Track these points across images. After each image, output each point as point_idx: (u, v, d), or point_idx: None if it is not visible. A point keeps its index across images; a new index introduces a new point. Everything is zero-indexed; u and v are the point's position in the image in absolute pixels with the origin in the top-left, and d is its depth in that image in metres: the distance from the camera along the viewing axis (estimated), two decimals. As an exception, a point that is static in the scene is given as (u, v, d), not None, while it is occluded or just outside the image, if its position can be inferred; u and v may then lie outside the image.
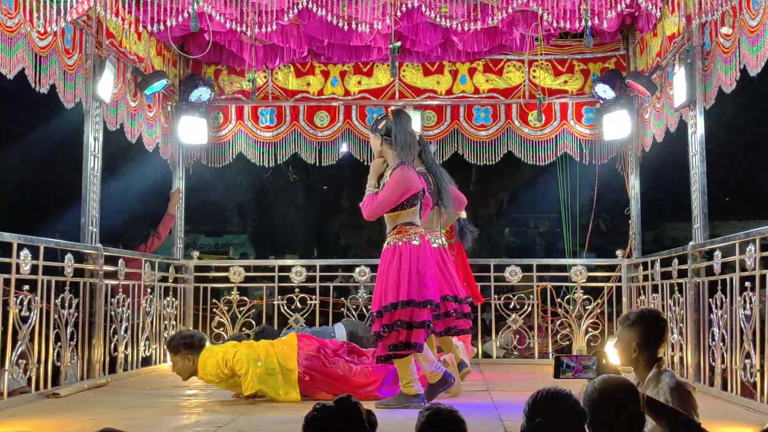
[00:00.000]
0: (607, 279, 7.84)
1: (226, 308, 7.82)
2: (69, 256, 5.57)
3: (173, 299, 7.54)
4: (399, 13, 5.78)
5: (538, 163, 8.03)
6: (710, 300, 5.40)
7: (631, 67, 7.53)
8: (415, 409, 4.64)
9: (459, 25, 5.78)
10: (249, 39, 7.15)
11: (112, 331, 6.16)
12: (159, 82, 6.92)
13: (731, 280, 5.01)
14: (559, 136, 7.90)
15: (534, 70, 7.82)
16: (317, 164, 8.24)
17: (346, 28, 5.86)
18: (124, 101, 6.59)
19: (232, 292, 7.87)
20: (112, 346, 6.17)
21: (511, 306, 7.78)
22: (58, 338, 5.43)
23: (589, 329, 7.54)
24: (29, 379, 5.13)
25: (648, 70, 6.95)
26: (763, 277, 4.63)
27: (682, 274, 5.97)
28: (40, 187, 14.62)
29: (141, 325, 6.78)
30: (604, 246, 12.32)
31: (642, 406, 2.64)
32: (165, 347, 5.58)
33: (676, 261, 6.16)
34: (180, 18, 5.06)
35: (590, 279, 7.76)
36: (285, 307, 7.79)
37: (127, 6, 5.93)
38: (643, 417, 2.62)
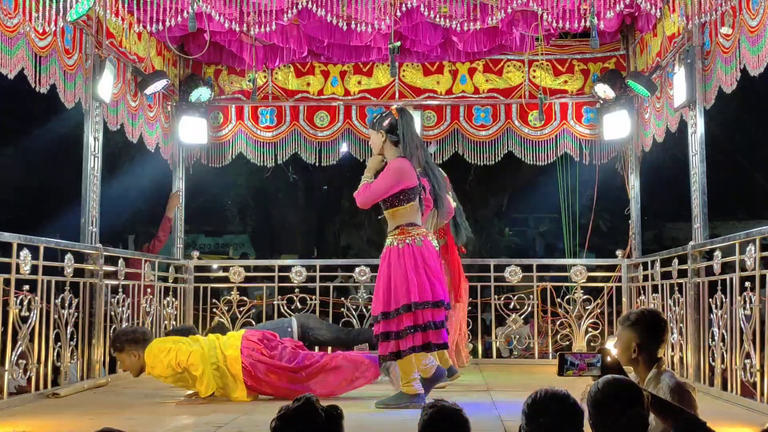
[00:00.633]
0: (607, 279, 7.84)
1: (226, 308, 7.82)
2: (69, 256, 5.57)
3: (173, 299, 7.54)
4: (399, 13, 5.79)
5: (538, 163, 8.02)
6: (710, 300, 5.40)
7: (631, 67, 7.53)
8: (415, 409, 4.65)
9: (459, 25, 5.78)
10: (249, 39, 7.15)
11: (112, 331, 6.16)
12: (159, 82, 6.92)
13: (731, 280, 5.01)
14: (559, 136, 7.90)
15: (534, 70, 7.82)
16: (317, 164, 8.24)
17: (345, 28, 5.87)
18: (124, 101, 6.59)
19: (232, 292, 7.87)
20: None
21: (511, 306, 7.78)
22: (58, 338, 5.43)
23: (589, 329, 7.54)
24: (29, 379, 5.13)
25: (648, 70, 6.95)
26: (763, 277, 4.63)
27: (682, 274, 5.97)
28: (40, 187, 14.63)
29: (141, 325, 6.77)
30: (604, 246, 12.33)
31: (646, 406, 2.63)
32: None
33: (676, 261, 6.16)
34: (180, 18, 5.06)
35: (590, 279, 7.75)
36: (285, 307, 7.78)
37: (127, 6, 5.93)
38: (646, 421, 2.61)
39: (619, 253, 7.81)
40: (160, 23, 5.05)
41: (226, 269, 8.08)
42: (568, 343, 7.66)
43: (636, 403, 2.59)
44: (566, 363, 2.94)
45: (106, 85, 6.05)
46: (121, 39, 6.37)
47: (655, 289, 6.70)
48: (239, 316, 7.79)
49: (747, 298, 4.74)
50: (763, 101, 11.38)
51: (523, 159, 7.98)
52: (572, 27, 5.59)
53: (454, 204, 5.99)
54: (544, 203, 16.27)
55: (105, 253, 6.09)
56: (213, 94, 7.85)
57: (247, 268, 8.12)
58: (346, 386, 5.17)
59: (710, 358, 5.41)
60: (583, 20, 5.53)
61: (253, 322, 7.74)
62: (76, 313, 5.67)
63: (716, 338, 5.22)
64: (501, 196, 17.38)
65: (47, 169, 13.77)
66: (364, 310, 7.60)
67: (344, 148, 8.13)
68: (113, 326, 6.20)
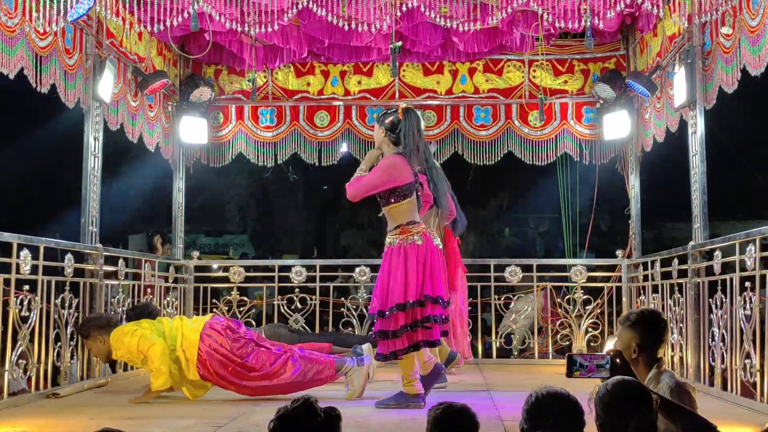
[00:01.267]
0: (607, 279, 7.84)
1: (226, 308, 7.82)
2: (69, 256, 5.57)
3: (173, 299, 7.55)
4: (399, 13, 5.78)
5: (538, 163, 8.02)
6: (710, 300, 5.40)
7: (631, 67, 7.53)
8: (415, 409, 4.65)
9: (459, 25, 5.78)
10: (249, 39, 7.15)
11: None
12: (159, 82, 6.92)
13: (731, 280, 5.01)
14: (559, 136, 7.90)
15: (534, 70, 7.83)
16: (317, 164, 8.24)
17: (346, 28, 5.87)
18: (124, 101, 6.59)
19: (232, 292, 7.87)
20: (112, 346, 6.16)
21: (511, 306, 7.78)
22: (58, 338, 5.43)
23: (589, 329, 7.54)
24: (29, 379, 5.13)
25: (648, 70, 6.95)
26: (763, 277, 4.63)
27: (682, 274, 5.97)
28: (40, 187, 14.63)
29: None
30: (604, 246, 12.33)
31: (655, 409, 2.62)
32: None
33: (676, 261, 6.16)
34: (180, 18, 5.06)
35: (590, 279, 7.76)
36: (285, 307, 7.79)
37: (127, 6, 5.92)
38: (654, 425, 2.59)
39: (619, 253, 7.81)
40: (161, 23, 5.05)
41: (226, 269, 8.08)
42: (568, 343, 7.67)
43: (645, 406, 2.58)
44: (575, 364, 2.93)
45: (107, 85, 6.05)
46: (121, 39, 6.37)
47: (655, 289, 6.70)
48: (239, 316, 7.79)
49: (747, 298, 4.75)
50: (763, 101, 11.38)
51: (523, 159, 7.98)
52: (572, 27, 5.59)
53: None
54: (544, 203, 16.27)
55: (105, 253, 6.09)
56: (213, 94, 7.85)
57: (247, 268, 8.12)
58: (299, 388, 5.03)
59: (710, 358, 5.41)
60: (583, 20, 5.53)
61: (254, 323, 7.75)
62: (76, 313, 5.67)
63: (716, 338, 5.22)
64: (501, 196, 17.40)
65: (47, 169, 13.77)
66: (364, 310, 7.59)
67: (344, 148, 8.13)
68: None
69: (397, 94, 7.93)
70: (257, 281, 8.29)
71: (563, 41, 7.80)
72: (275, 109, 8.05)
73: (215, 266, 8.78)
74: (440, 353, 5.80)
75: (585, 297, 7.60)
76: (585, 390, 2.74)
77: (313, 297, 7.75)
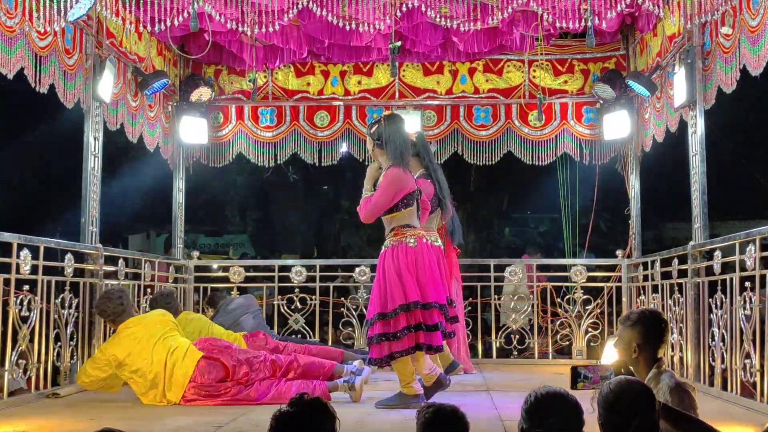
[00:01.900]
0: (607, 279, 7.84)
1: (226, 308, 7.81)
2: (69, 256, 5.57)
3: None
4: (399, 13, 5.78)
5: (538, 163, 8.02)
6: (710, 300, 5.40)
7: (631, 67, 7.53)
8: (414, 410, 4.64)
9: (459, 25, 5.78)
10: (249, 39, 7.15)
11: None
12: (159, 82, 6.92)
13: (731, 280, 5.01)
14: (559, 136, 7.90)
15: (534, 70, 7.83)
16: (317, 164, 8.24)
17: (346, 28, 5.86)
18: (124, 101, 6.59)
19: (232, 292, 7.87)
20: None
21: (511, 306, 7.78)
22: (58, 338, 5.43)
23: (589, 329, 7.54)
24: (29, 379, 5.13)
25: (648, 70, 6.95)
26: (763, 277, 4.63)
27: (682, 274, 5.97)
28: (40, 187, 14.64)
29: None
30: (604, 246, 12.32)
31: (657, 414, 2.61)
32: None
33: (676, 261, 6.16)
34: (180, 18, 5.06)
35: (590, 279, 7.76)
36: (285, 307, 7.79)
37: (127, 6, 5.92)
38: (657, 425, 2.59)
39: (619, 253, 7.81)
40: (161, 23, 5.05)
41: (226, 269, 8.08)
42: (568, 343, 7.67)
43: (648, 406, 2.57)
44: (579, 376, 2.93)
45: (107, 85, 6.05)
46: (121, 39, 6.37)
47: (655, 289, 6.70)
48: (239, 316, 7.78)
49: (747, 298, 4.75)
50: (763, 101, 11.38)
51: (523, 159, 7.98)
52: (572, 27, 5.59)
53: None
54: (544, 203, 16.26)
55: (105, 253, 6.09)
56: (213, 94, 7.85)
57: (247, 268, 8.13)
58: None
59: (710, 358, 5.41)
60: (583, 20, 5.53)
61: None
62: (76, 313, 5.67)
63: (716, 338, 5.22)
64: (501, 196, 17.38)
65: (47, 169, 13.78)
66: (364, 310, 7.58)
67: (344, 148, 8.13)
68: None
69: (397, 94, 7.93)
70: (257, 281, 8.29)
71: (563, 41, 7.80)
72: (275, 109, 8.05)
73: (215, 266, 8.78)
74: (442, 359, 5.79)
75: (585, 297, 7.60)
76: (586, 391, 2.74)
77: (313, 297, 7.75)
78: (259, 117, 8.07)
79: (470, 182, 14.51)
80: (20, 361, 4.99)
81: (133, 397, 5.09)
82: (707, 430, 2.76)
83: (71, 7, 4.81)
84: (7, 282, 4.84)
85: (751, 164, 14.27)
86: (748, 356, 4.71)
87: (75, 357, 5.68)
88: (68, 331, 5.56)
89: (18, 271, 4.92)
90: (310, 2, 5.27)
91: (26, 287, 5.00)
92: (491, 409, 4.71)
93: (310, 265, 8.07)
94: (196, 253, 8.16)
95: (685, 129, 6.12)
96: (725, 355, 5.06)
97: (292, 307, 7.77)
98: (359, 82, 7.97)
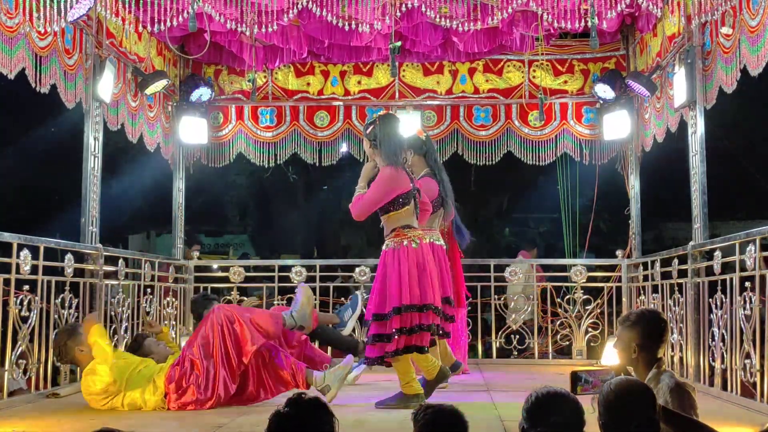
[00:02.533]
0: (607, 279, 7.84)
1: (226, 308, 7.80)
2: (69, 256, 5.57)
3: (173, 299, 7.54)
4: (399, 13, 5.78)
5: (538, 163, 8.02)
6: (710, 300, 5.40)
7: (631, 67, 7.53)
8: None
9: (459, 25, 5.78)
10: (249, 39, 7.15)
11: (112, 331, 6.16)
12: (159, 82, 6.92)
13: (731, 280, 5.01)
14: (559, 136, 7.90)
15: (534, 70, 7.83)
16: (317, 164, 8.24)
17: (346, 28, 5.87)
18: (124, 101, 6.59)
19: (232, 292, 7.87)
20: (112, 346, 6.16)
21: (511, 306, 7.78)
22: (58, 338, 5.42)
23: (589, 329, 7.54)
24: (29, 379, 5.13)
25: (648, 70, 6.95)
26: (763, 277, 4.63)
27: (682, 274, 5.97)
28: (40, 187, 14.63)
29: (141, 325, 6.78)
30: (604, 246, 12.32)
31: (658, 414, 2.61)
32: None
33: (676, 261, 6.16)
34: (180, 18, 5.06)
35: (590, 279, 7.75)
36: (285, 307, 7.77)
37: (127, 6, 5.93)
38: (657, 425, 2.59)
39: (619, 253, 7.81)
40: (161, 23, 5.05)
41: (226, 269, 8.08)
42: (568, 343, 7.67)
43: (648, 406, 2.57)
44: (580, 380, 2.93)
45: (107, 85, 6.05)
46: (121, 39, 6.37)
47: (655, 289, 6.70)
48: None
49: (747, 298, 4.75)
50: (763, 101, 11.38)
51: (523, 159, 7.98)
52: (572, 27, 5.59)
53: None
54: (544, 203, 16.24)
55: (105, 253, 6.09)
56: (213, 94, 7.85)
57: (247, 268, 8.12)
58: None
59: (710, 358, 5.41)
60: (583, 20, 5.53)
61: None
62: (76, 313, 5.66)
63: (716, 338, 5.22)
64: (501, 196, 17.38)
65: (47, 169, 13.76)
66: (364, 309, 7.57)
67: (344, 148, 8.13)
68: (113, 326, 6.20)
69: (397, 94, 7.93)
70: (257, 281, 8.28)
71: (563, 41, 7.80)
72: (275, 109, 8.05)
73: (215, 266, 8.78)
74: (445, 360, 5.79)
75: (585, 297, 7.60)
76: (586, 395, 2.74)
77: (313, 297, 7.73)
78: (259, 117, 8.07)
79: (470, 182, 14.50)
80: (20, 361, 4.99)
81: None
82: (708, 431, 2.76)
83: (71, 7, 4.82)
84: (7, 282, 4.84)
85: (751, 164, 14.28)
86: (748, 356, 4.71)
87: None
88: (68, 331, 5.54)
89: (18, 271, 4.92)
90: (310, 2, 5.27)
91: (26, 287, 5.00)
92: (491, 409, 4.71)
93: (310, 265, 8.07)
94: (196, 253, 8.15)
95: (685, 129, 6.12)
96: (725, 355, 5.06)
97: (292, 307, 7.75)
98: (359, 82, 7.97)
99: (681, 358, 5.96)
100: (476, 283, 7.81)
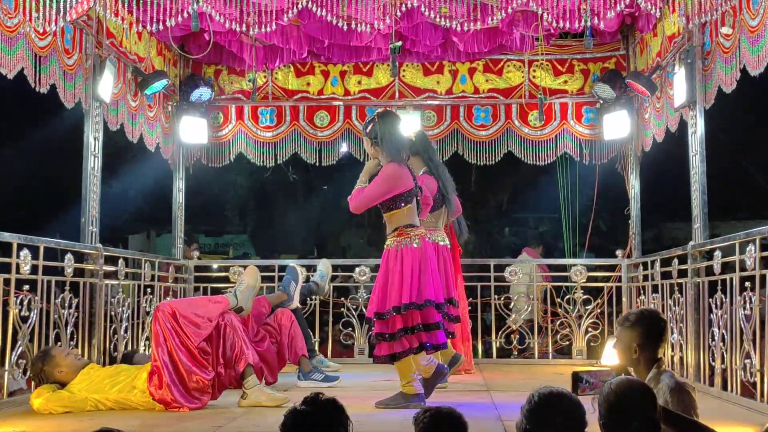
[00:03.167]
0: (607, 279, 7.84)
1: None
2: (69, 256, 5.56)
3: (173, 299, 7.53)
4: (399, 13, 5.78)
5: (538, 163, 8.02)
6: (710, 300, 5.40)
7: (631, 67, 7.53)
8: (415, 409, 4.64)
9: (459, 25, 5.77)
10: (249, 39, 7.15)
11: (112, 331, 6.16)
12: (159, 81, 6.92)
13: (731, 280, 5.00)
14: (559, 136, 7.90)
15: (534, 70, 7.82)
16: (317, 164, 8.24)
17: (346, 28, 5.87)
18: (124, 101, 6.59)
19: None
20: (112, 346, 6.17)
21: (511, 306, 7.78)
22: (58, 338, 5.42)
23: (589, 329, 7.54)
24: (29, 379, 5.12)
25: (648, 70, 6.94)
26: (763, 277, 4.63)
27: (682, 274, 5.97)
28: (40, 187, 14.64)
29: (141, 325, 6.78)
30: (604, 246, 12.32)
31: (658, 414, 2.60)
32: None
33: (676, 261, 6.16)
34: (180, 18, 5.06)
35: (590, 279, 7.75)
36: (285, 307, 7.77)
37: (127, 6, 5.92)
38: (658, 425, 2.59)
39: (619, 253, 7.81)
40: (161, 23, 5.05)
41: (226, 269, 8.08)
42: (568, 342, 7.67)
43: (649, 406, 2.57)
44: (581, 381, 2.93)
45: (106, 85, 6.05)
46: (121, 39, 6.37)
47: (655, 289, 6.70)
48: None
49: (747, 298, 4.74)
50: (763, 101, 11.38)
51: (523, 159, 7.98)
52: (572, 27, 5.57)
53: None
54: (544, 203, 16.25)
55: (105, 253, 6.09)
56: (213, 94, 7.85)
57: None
58: None
59: (710, 358, 5.41)
60: (582, 20, 5.52)
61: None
62: (76, 313, 5.66)
63: (716, 338, 5.22)
64: (501, 196, 17.38)
65: (47, 169, 13.77)
66: (364, 309, 7.58)
67: (344, 148, 8.13)
68: (113, 326, 6.20)
69: (397, 94, 7.93)
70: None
71: (563, 41, 7.80)
72: (275, 109, 8.05)
73: (215, 266, 8.78)
74: (444, 355, 5.79)
75: (585, 297, 7.60)
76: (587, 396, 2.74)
77: (313, 297, 7.74)
78: (259, 117, 8.07)
79: (471, 182, 14.50)
80: (20, 361, 4.99)
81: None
82: None
83: (71, 7, 4.82)
84: (7, 282, 4.83)
85: (751, 164, 14.29)
86: (748, 356, 4.71)
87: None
88: (68, 331, 5.55)
89: (18, 271, 4.92)
90: (310, 2, 5.27)
91: (26, 287, 4.99)
92: (491, 409, 4.71)
93: (310, 265, 8.06)
94: (196, 253, 8.14)
95: (685, 129, 6.12)
96: (725, 355, 5.06)
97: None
98: (359, 82, 7.97)
99: (681, 358, 5.96)
100: (476, 283, 7.81)
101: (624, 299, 7.59)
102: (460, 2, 5.90)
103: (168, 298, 7.41)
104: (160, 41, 7.18)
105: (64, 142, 9.78)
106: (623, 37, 7.68)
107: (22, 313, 4.94)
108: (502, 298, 7.81)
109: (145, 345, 6.77)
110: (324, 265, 6.39)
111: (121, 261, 6.40)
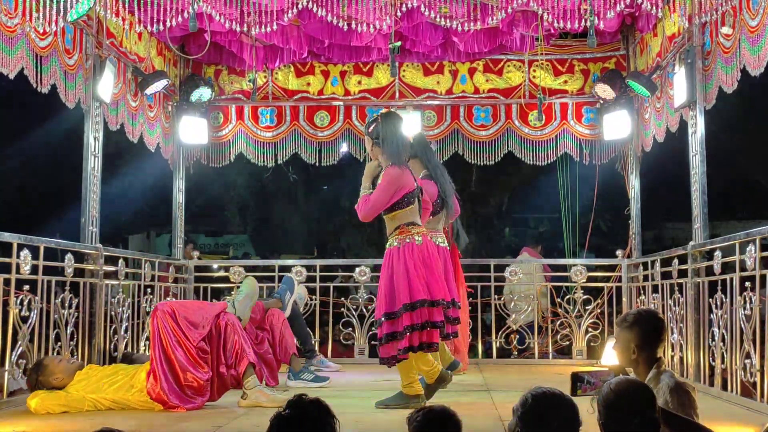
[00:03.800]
0: (607, 279, 7.84)
1: (226, 308, 7.80)
2: (69, 256, 5.57)
3: (173, 299, 7.53)
4: (399, 13, 5.78)
5: (538, 163, 8.02)
6: (710, 300, 5.40)
7: (631, 67, 7.53)
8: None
9: (459, 25, 5.77)
10: (249, 39, 7.15)
11: (112, 331, 6.16)
12: (159, 82, 6.92)
13: (731, 280, 5.00)
14: (559, 136, 7.90)
15: (534, 70, 7.83)
16: (317, 164, 8.24)
17: (346, 28, 5.87)
18: (124, 101, 6.59)
19: (233, 292, 7.85)
20: (112, 346, 6.17)
21: (511, 306, 7.78)
22: (58, 338, 5.42)
23: (589, 329, 7.54)
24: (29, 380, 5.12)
25: (648, 70, 6.95)
26: (763, 277, 4.63)
27: (682, 274, 5.97)
28: (40, 187, 14.65)
29: (141, 325, 6.78)
30: (604, 246, 12.33)
31: (658, 414, 2.60)
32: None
33: (676, 261, 6.16)
34: (180, 18, 5.06)
35: (590, 279, 7.75)
36: (285, 307, 7.78)
37: (127, 6, 5.92)
38: (658, 425, 2.58)
39: (619, 253, 7.81)
40: (161, 23, 5.05)
41: (226, 269, 8.08)
42: (568, 343, 7.66)
43: (648, 406, 2.57)
44: (582, 381, 2.92)
45: (107, 85, 6.05)
46: (121, 39, 6.37)
47: (655, 289, 6.70)
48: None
49: (747, 298, 4.74)
50: (763, 101, 11.38)
51: (523, 159, 7.99)
52: (572, 27, 5.58)
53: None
54: (544, 203, 16.28)
55: (105, 253, 6.09)
56: (213, 94, 7.85)
57: (247, 268, 8.11)
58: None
59: (710, 358, 5.41)
60: (583, 20, 5.53)
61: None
62: (76, 313, 5.66)
63: (716, 338, 5.22)
64: (501, 196, 17.39)
65: (47, 169, 13.78)
66: (364, 310, 7.59)
67: (344, 148, 8.13)
68: (113, 326, 6.20)
69: (397, 94, 7.93)
70: (257, 281, 8.27)
71: (563, 41, 7.80)
72: (275, 109, 8.05)
73: (215, 266, 8.78)
74: (443, 360, 5.80)
75: (585, 297, 7.60)
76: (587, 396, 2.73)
77: (313, 297, 7.74)
78: (259, 117, 8.07)
79: (471, 182, 14.50)
80: (20, 361, 4.99)
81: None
82: None
83: (71, 7, 4.82)
84: (7, 282, 4.83)
85: (751, 164, 14.29)
86: (748, 356, 4.71)
87: (75, 357, 5.68)
88: (68, 331, 5.55)
89: (18, 271, 4.91)
90: (310, 2, 5.27)
91: (26, 287, 4.99)
92: (491, 409, 4.71)
93: (310, 265, 8.07)
94: (196, 253, 8.14)
95: (685, 129, 6.12)
96: (725, 355, 5.06)
97: (292, 307, 7.75)
98: (359, 82, 7.97)
99: (681, 358, 5.96)
100: (476, 283, 7.82)
101: (624, 299, 7.59)
102: (460, 2, 5.90)
103: (168, 299, 7.41)
104: (160, 41, 7.18)
105: (64, 142, 9.79)
106: (623, 37, 7.68)
107: (23, 313, 4.94)
108: (502, 298, 7.81)
109: (145, 345, 6.76)
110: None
111: (121, 261, 6.41)
